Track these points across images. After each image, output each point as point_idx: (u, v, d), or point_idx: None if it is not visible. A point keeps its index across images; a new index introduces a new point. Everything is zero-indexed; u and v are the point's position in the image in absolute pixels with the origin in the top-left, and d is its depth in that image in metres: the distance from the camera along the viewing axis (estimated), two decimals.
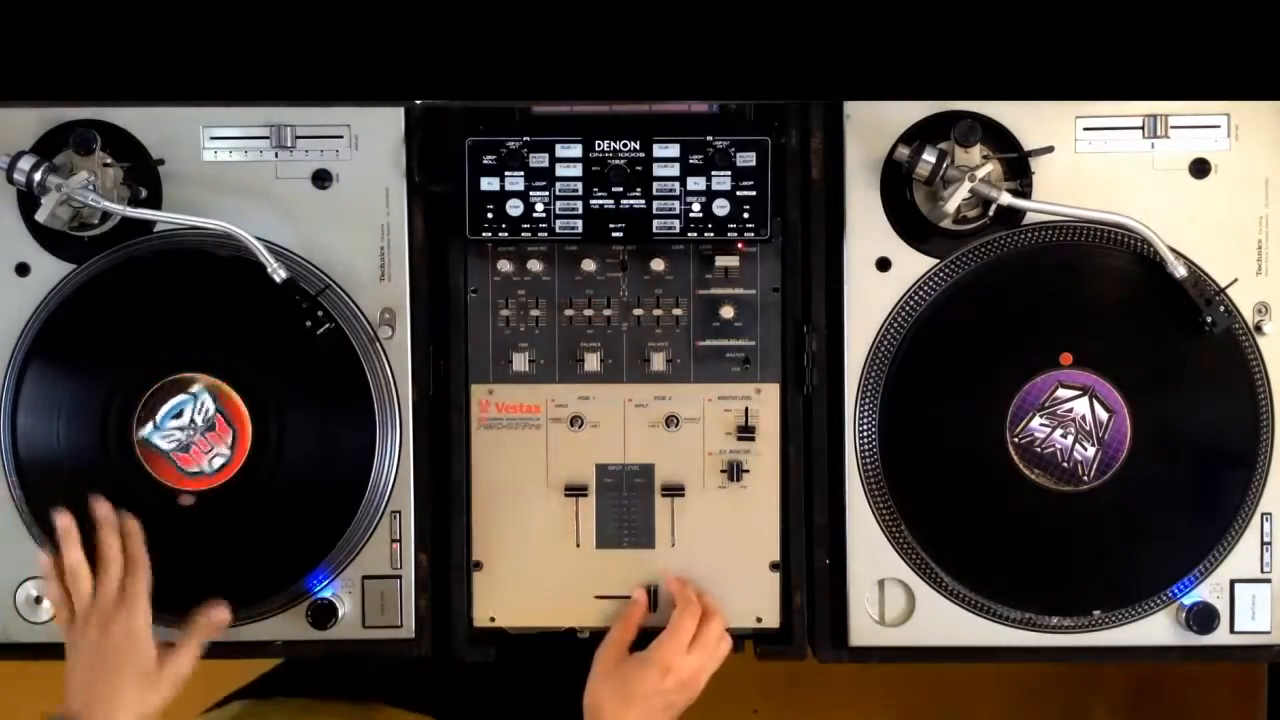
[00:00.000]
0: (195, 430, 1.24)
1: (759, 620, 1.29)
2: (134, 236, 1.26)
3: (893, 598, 1.27)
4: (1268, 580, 1.26)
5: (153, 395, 1.24)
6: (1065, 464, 1.24)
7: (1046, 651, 1.28)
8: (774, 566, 1.29)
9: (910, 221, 1.26)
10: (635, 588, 1.28)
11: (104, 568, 1.18)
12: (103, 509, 1.20)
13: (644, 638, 1.25)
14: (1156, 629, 1.27)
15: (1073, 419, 1.24)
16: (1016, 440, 1.24)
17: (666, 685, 1.20)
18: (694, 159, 1.23)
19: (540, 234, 1.25)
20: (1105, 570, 1.27)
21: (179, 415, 1.24)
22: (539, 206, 1.24)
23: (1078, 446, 1.24)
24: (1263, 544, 1.26)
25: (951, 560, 1.26)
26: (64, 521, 1.19)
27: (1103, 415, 1.24)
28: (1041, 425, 1.24)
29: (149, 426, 1.24)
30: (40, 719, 1.14)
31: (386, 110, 1.27)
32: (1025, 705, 2.05)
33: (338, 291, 1.27)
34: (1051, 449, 1.24)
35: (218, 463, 1.24)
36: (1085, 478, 1.24)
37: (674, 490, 1.28)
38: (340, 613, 1.27)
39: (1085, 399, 1.24)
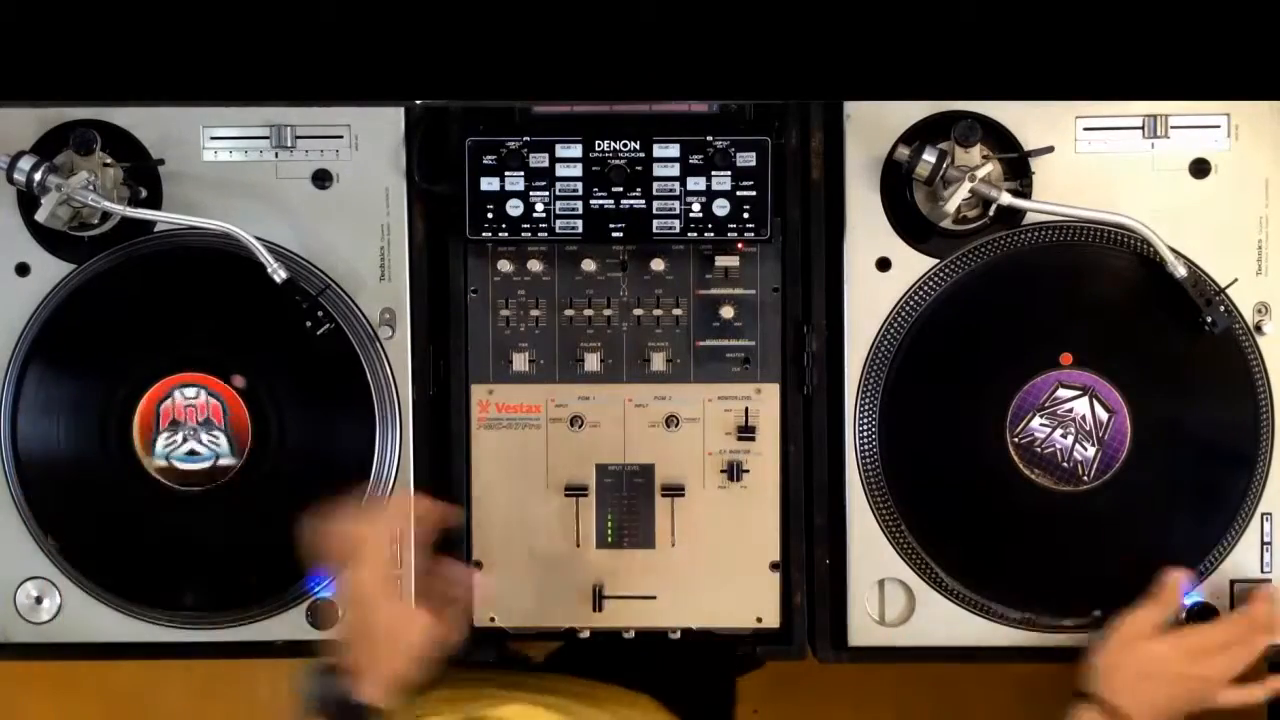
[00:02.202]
0: (194, 429, 1.25)
1: (759, 620, 1.29)
2: (134, 236, 1.26)
3: (893, 598, 1.27)
4: (1268, 580, 1.26)
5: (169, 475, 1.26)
6: (1065, 464, 1.24)
7: (1046, 651, 1.28)
8: (774, 566, 1.29)
9: (910, 221, 1.26)
10: (1169, 572, 1.23)
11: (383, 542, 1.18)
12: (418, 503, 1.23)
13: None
14: None
15: (1073, 419, 1.24)
16: (1016, 440, 1.24)
17: (1188, 674, 1.18)
18: (694, 159, 1.23)
19: (540, 234, 1.25)
20: (1105, 570, 1.26)
21: (193, 451, 1.25)
22: (539, 206, 1.24)
23: (1078, 446, 1.24)
24: (1263, 544, 1.26)
25: (951, 560, 1.26)
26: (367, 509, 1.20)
27: (1103, 415, 1.24)
28: (1042, 425, 1.24)
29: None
30: (310, 664, 1.14)
31: (386, 110, 1.27)
32: (1025, 705, 2.05)
33: (338, 291, 1.27)
34: (1051, 449, 1.24)
35: (202, 396, 1.25)
36: (1085, 478, 1.24)
37: (674, 490, 1.28)
38: (340, 613, 1.27)
39: (1085, 399, 1.24)
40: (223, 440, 1.25)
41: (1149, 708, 1.18)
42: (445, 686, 1.26)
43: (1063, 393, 1.24)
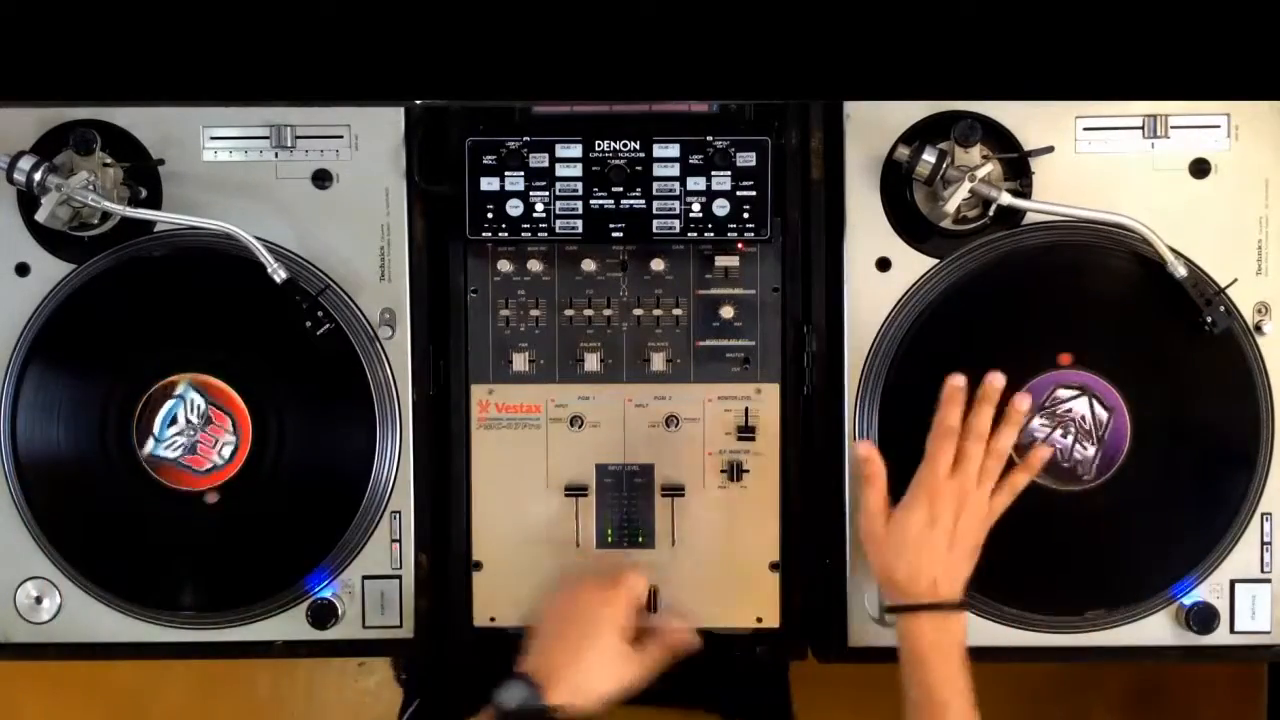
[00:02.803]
0: (195, 430, 1.25)
1: (759, 620, 1.29)
2: (134, 236, 1.26)
3: None
4: (1268, 580, 1.26)
5: (146, 406, 1.24)
6: (1065, 464, 1.24)
7: (1046, 651, 1.28)
8: (774, 566, 1.29)
9: (910, 221, 1.26)
10: (861, 445, 1.20)
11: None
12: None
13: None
14: (1156, 629, 1.27)
15: (1072, 419, 1.24)
16: (1016, 441, 1.24)
17: (940, 518, 1.14)
18: (694, 159, 1.23)
19: (540, 234, 1.25)
20: (1105, 570, 1.27)
21: (174, 421, 1.25)
22: (539, 206, 1.24)
23: (1078, 446, 1.24)
24: (1263, 544, 1.26)
25: None
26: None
27: (1102, 415, 1.24)
28: (1041, 425, 1.24)
29: (150, 442, 1.24)
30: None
31: (386, 110, 1.27)
32: (1025, 705, 2.05)
33: (338, 291, 1.27)
34: (1051, 449, 1.24)
35: (227, 451, 1.24)
36: (1085, 477, 1.24)
37: (674, 490, 1.28)
38: (340, 612, 1.27)
39: (1084, 399, 1.24)
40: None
41: (948, 569, 1.14)
42: None
43: (1062, 393, 1.24)
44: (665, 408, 1.28)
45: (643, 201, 1.24)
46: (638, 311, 1.29)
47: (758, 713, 1.41)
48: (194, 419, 1.25)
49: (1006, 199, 1.21)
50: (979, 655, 1.28)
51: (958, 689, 1.13)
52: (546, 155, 1.23)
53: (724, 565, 1.28)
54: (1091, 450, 1.24)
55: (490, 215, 1.24)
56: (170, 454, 1.24)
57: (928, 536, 1.15)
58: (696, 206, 1.24)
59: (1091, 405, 1.24)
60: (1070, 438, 1.24)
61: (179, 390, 1.25)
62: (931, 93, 1.25)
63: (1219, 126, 1.26)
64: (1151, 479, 1.24)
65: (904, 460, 1.25)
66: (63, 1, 1.29)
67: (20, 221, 1.26)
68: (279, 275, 1.21)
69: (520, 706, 1.09)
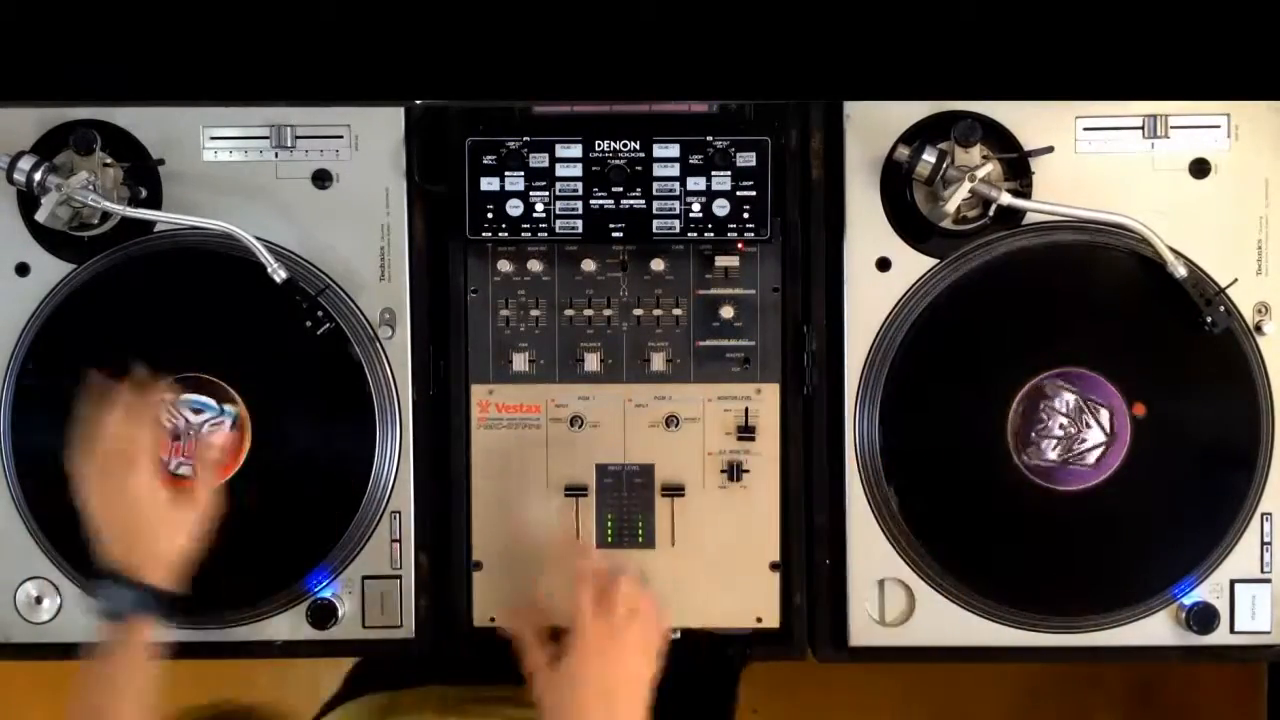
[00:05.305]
0: (196, 431, 1.25)
1: (759, 620, 1.29)
2: (134, 236, 1.26)
3: (893, 598, 1.27)
4: (1268, 580, 1.26)
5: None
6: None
7: (1046, 651, 1.28)
8: (774, 566, 1.29)
9: (910, 221, 1.26)
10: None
11: (109, 420, 1.15)
12: (137, 367, 1.20)
13: None
14: (1156, 629, 1.27)
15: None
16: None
17: (589, 657, 1.09)
18: (694, 159, 1.23)
19: (540, 234, 1.25)
20: (1105, 570, 1.27)
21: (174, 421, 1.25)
22: (539, 206, 1.24)
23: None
24: (1263, 544, 1.26)
25: (951, 560, 1.26)
26: (95, 376, 1.18)
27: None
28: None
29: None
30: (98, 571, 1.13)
31: (386, 110, 1.27)
32: (1025, 705, 2.05)
33: (338, 291, 1.27)
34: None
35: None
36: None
37: (674, 490, 1.28)
38: (340, 613, 1.27)
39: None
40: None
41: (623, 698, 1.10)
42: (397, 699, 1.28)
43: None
44: (665, 408, 1.28)
45: (643, 201, 1.24)
46: (638, 311, 1.29)
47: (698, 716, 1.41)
48: (194, 419, 1.25)
49: (1006, 199, 1.21)
50: (979, 655, 1.28)
51: None
52: (546, 155, 1.23)
53: (724, 565, 1.28)
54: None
55: (490, 215, 1.24)
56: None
57: (584, 679, 1.09)
58: (696, 206, 1.24)
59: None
60: (1070, 438, 1.24)
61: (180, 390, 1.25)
62: (931, 93, 1.25)
63: (1219, 126, 1.26)
64: (1151, 479, 1.24)
65: (904, 461, 1.26)
66: (63, 1, 1.29)
67: (20, 221, 1.26)
68: (279, 275, 1.21)
69: (132, 603, 1.11)
